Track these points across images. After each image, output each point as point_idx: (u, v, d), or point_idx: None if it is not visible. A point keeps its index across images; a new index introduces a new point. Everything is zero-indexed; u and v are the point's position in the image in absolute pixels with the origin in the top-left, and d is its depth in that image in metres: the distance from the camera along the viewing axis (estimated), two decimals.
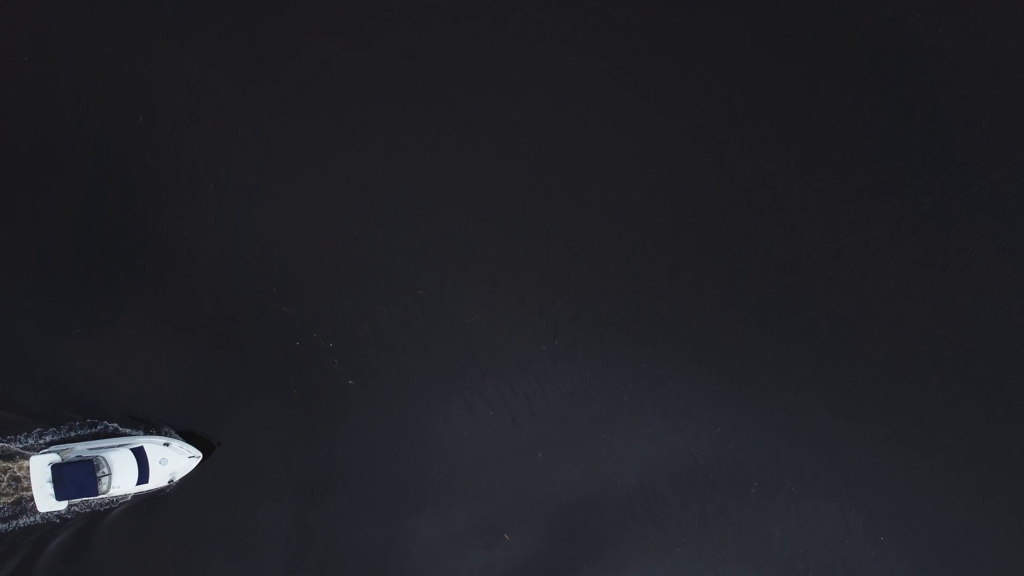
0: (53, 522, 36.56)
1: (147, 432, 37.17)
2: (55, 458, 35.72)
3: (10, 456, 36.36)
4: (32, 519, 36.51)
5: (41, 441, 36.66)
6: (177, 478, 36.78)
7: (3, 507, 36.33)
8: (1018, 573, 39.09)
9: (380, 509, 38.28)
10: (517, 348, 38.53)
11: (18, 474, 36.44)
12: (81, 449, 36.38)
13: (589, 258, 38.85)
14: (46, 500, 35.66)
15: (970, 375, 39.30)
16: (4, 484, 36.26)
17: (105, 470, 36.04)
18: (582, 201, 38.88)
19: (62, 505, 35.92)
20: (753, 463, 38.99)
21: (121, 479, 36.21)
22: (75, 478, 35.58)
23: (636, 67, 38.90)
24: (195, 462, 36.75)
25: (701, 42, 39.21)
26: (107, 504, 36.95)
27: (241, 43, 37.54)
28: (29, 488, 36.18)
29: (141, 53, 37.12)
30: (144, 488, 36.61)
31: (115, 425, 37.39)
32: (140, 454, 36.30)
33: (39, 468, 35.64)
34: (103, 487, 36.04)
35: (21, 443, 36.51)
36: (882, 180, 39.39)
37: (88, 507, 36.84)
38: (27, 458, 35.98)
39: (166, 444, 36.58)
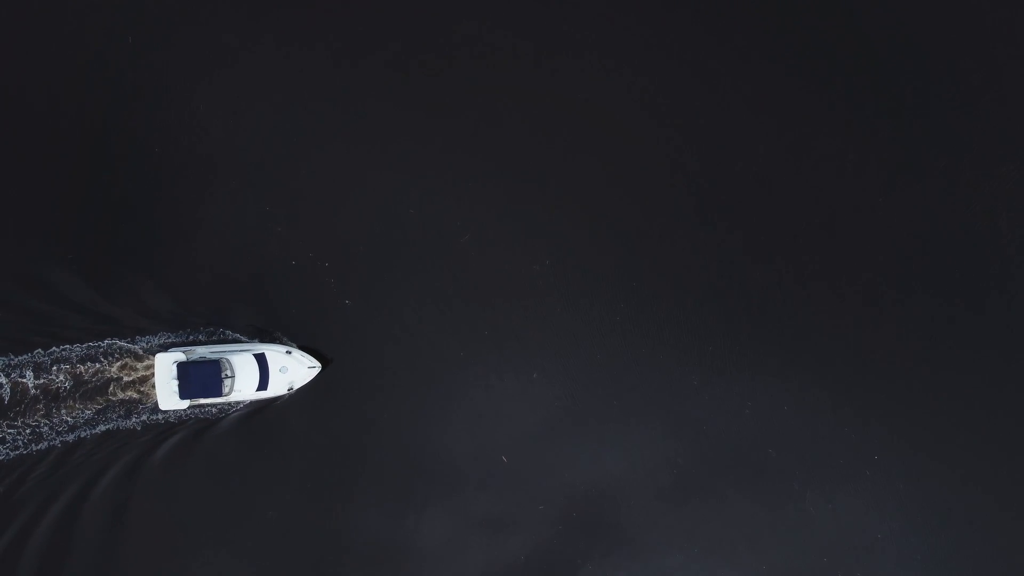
0: (167, 423, 36.73)
1: (266, 340, 37.71)
2: (181, 356, 35.94)
3: (131, 355, 36.50)
4: (146, 419, 36.57)
5: (161, 343, 36.89)
6: (296, 387, 37.28)
7: (118, 405, 36.39)
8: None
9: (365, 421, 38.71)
10: (508, 269, 39.25)
11: (132, 376, 36.58)
12: (204, 351, 36.70)
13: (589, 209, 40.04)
14: (169, 398, 35.82)
15: (970, 370, 41.09)
16: (121, 383, 36.36)
17: (228, 372, 36.34)
18: (586, 145, 39.91)
19: (184, 404, 36.11)
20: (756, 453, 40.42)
21: (242, 383, 36.56)
22: (201, 377, 35.82)
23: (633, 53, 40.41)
24: (314, 372, 37.33)
25: (702, 40, 40.88)
26: (222, 409, 37.25)
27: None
28: (142, 388, 36.31)
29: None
30: (263, 395, 37.04)
31: (228, 331, 37.85)
32: (262, 360, 36.74)
33: (164, 366, 35.81)
34: (225, 389, 36.32)
35: (143, 344, 36.69)
36: (884, 178, 40.81)
37: (203, 412, 37.09)
38: (150, 358, 36.21)
39: (288, 352, 37.12)
